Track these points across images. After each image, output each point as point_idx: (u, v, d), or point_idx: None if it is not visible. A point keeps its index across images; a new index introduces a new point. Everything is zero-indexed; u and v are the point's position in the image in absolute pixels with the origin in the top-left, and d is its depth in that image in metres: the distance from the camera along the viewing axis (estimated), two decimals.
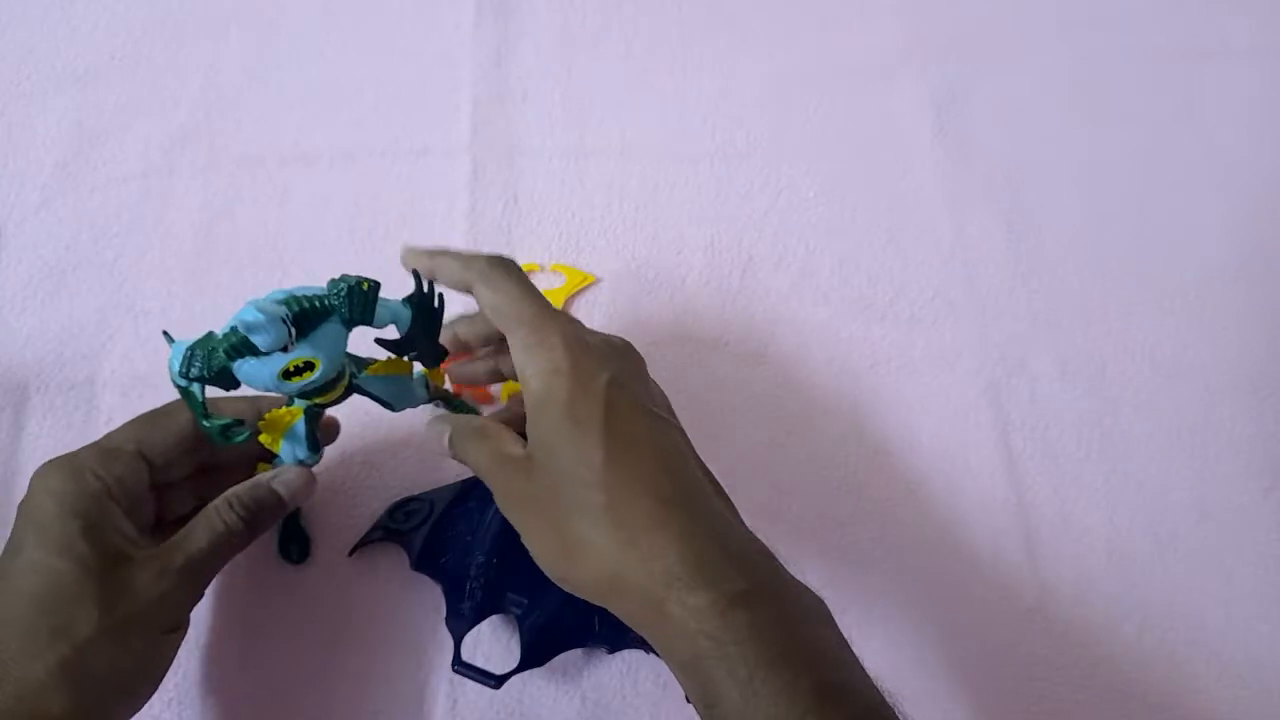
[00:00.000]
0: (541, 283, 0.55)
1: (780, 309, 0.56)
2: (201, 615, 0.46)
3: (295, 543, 0.47)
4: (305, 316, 0.36)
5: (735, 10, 0.65)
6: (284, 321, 0.35)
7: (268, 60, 0.62)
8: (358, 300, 0.37)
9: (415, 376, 0.43)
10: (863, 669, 0.35)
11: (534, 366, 0.38)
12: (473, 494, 0.47)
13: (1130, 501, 0.52)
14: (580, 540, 0.36)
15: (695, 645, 0.33)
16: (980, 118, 0.62)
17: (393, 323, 0.38)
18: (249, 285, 0.54)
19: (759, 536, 0.38)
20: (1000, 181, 0.60)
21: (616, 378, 0.38)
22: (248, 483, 0.42)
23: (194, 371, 0.36)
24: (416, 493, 0.49)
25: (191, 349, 0.36)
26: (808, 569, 0.49)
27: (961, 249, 0.58)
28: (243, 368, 0.36)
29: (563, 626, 0.44)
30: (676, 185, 0.59)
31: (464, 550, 0.46)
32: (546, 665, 0.44)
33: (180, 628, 0.40)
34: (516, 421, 0.40)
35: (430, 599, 0.47)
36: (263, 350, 0.35)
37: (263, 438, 0.41)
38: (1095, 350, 0.55)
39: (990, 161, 0.61)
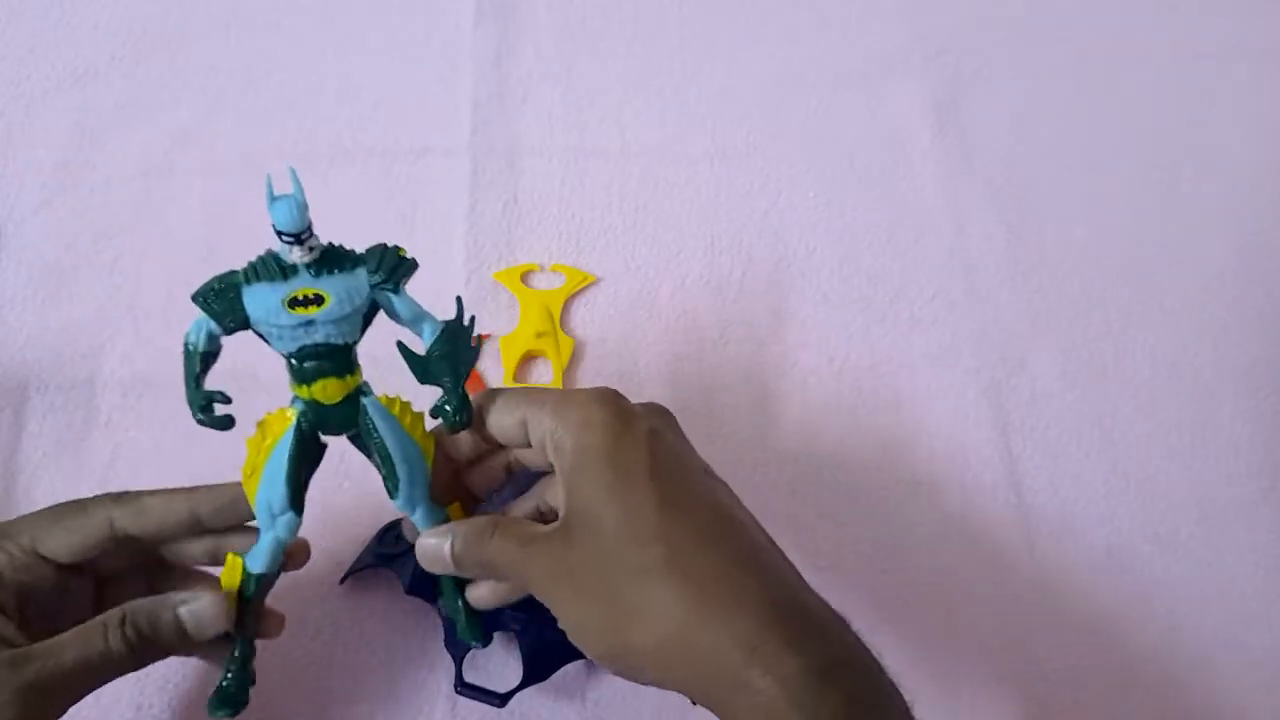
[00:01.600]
0: (541, 283, 0.56)
1: (780, 309, 0.56)
2: None
3: (226, 702, 0.38)
4: (331, 255, 0.35)
5: (735, 10, 0.65)
6: (306, 209, 0.33)
7: (268, 60, 0.62)
8: (389, 257, 0.35)
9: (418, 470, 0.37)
10: None
11: (566, 424, 0.34)
12: None
13: (1130, 501, 0.52)
14: (636, 604, 0.32)
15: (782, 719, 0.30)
16: (980, 118, 0.62)
17: (416, 325, 0.36)
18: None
19: None
20: (1000, 182, 0.60)
21: (656, 428, 0.35)
22: (150, 600, 0.36)
23: (205, 290, 0.34)
24: None
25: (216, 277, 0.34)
26: (808, 569, 0.49)
27: (961, 249, 0.58)
28: (253, 292, 0.34)
29: (563, 638, 0.44)
30: (676, 185, 0.59)
31: None
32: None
33: None
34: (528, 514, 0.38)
35: (426, 622, 0.46)
36: (279, 227, 0.33)
37: (249, 448, 0.37)
38: (1095, 350, 0.55)
39: (990, 162, 0.61)
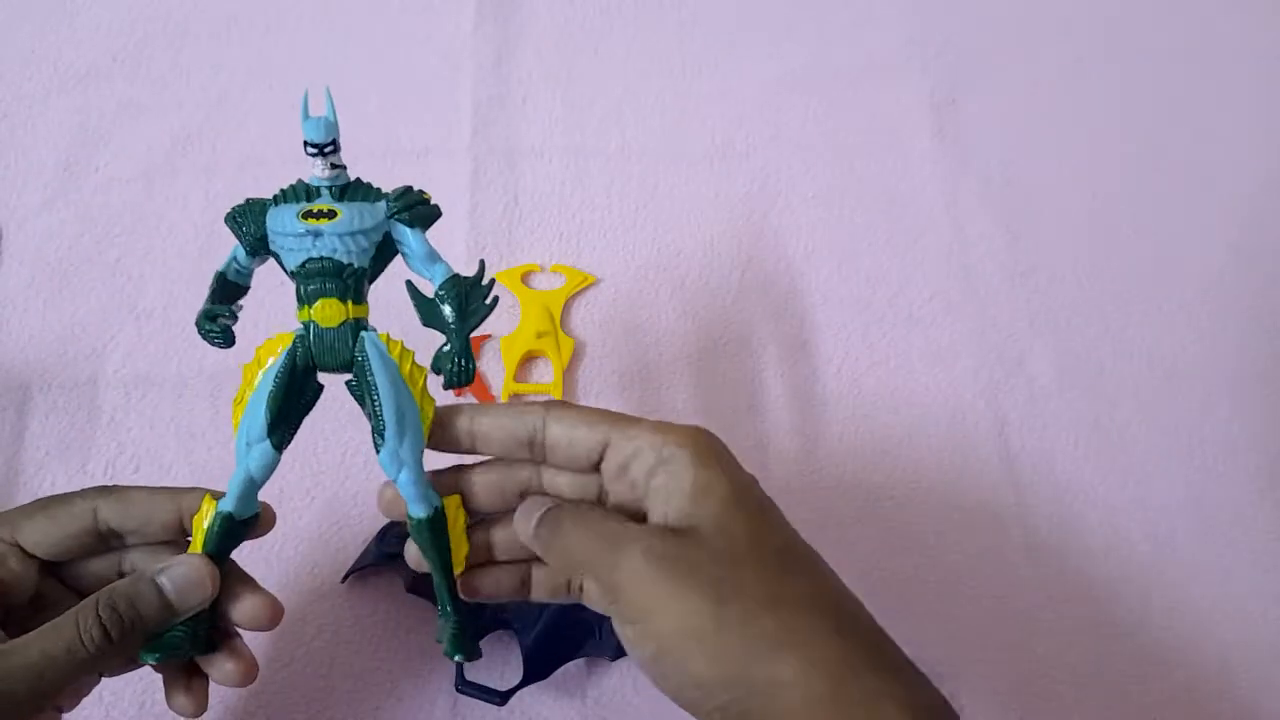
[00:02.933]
0: (542, 283, 0.56)
1: (779, 309, 0.56)
2: None
3: (157, 648, 0.35)
4: (356, 185, 0.37)
5: (735, 12, 0.65)
6: (334, 127, 0.36)
7: (269, 61, 0.62)
8: (411, 195, 0.36)
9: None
10: None
11: (676, 439, 0.33)
12: None
13: (1128, 501, 0.52)
14: (774, 633, 0.29)
15: None
16: (979, 119, 0.62)
17: (429, 266, 0.36)
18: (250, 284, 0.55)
19: None
20: (999, 182, 0.60)
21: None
22: (125, 579, 0.34)
23: (236, 208, 0.37)
24: None
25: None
26: None
27: (960, 249, 0.58)
28: (275, 210, 0.36)
29: (563, 636, 0.43)
30: (676, 186, 0.59)
31: None
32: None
33: None
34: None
35: (427, 621, 0.46)
36: (306, 137, 0.36)
37: (244, 374, 0.35)
38: (1093, 350, 0.56)
39: (989, 162, 0.61)
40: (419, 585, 0.45)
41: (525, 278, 0.56)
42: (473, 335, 0.36)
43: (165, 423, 0.51)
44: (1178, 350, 0.56)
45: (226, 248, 0.55)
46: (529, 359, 0.54)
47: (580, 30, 0.64)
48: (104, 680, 0.44)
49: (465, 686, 0.43)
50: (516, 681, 0.43)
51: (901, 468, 0.52)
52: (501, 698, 0.43)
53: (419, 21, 0.64)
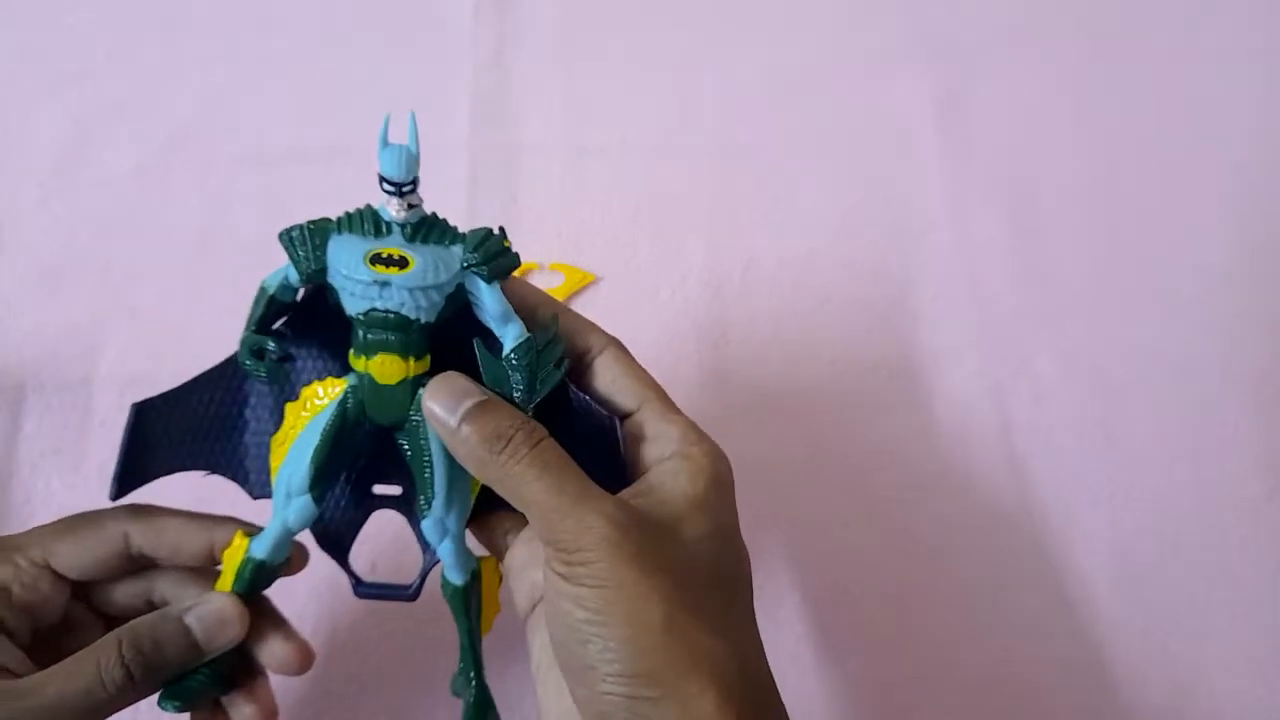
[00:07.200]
0: (541, 282, 0.55)
1: (781, 308, 0.55)
2: None
3: (178, 694, 0.33)
4: (430, 223, 0.32)
5: (736, 9, 0.65)
6: (416, 161, 0.31)
7: (265, 58, 0.62)
8: (492, 243, 0.32)
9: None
10: None
11: (707, 463, 0.32)
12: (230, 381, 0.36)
13: (1133, 503, 0.51)
14: (676, 629, 0.28)
15: None
16: (982, 116, 0.62)
17: (502, 325, 0.33)
18: (247, 285, 0.54)
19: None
20: (1003, 181, 0.60)
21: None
22: (150, 615, 0.33)
23: (293, 229, 0.32)
24: None
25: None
26: (808, 569, 0.49)
27: (964, 248, 0.57)
28: (340, 240, 0.32)
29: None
30: (676, 184, 0.59)
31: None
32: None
33: None
34: None
35: (426, 622, 0.46)
36: (383, 173, 0.31)
37: (287, 414, 0.34)
38: (1098, 350, 0.55)
39: (993, 160, 0.60)
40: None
41: (524, 276, 0.55)
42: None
43: None
44: (1183, 349, 0.55)
45: (222, 246, 0.55)
46: None
47: (580, 26, 0.63)
48: None
49: (365, 589, 0.36)
50: (418, 571, 0.37)
51: (905, 468, 0.52)
52: (411, 591, 0.36)
53: (416, 16, 0.63)
